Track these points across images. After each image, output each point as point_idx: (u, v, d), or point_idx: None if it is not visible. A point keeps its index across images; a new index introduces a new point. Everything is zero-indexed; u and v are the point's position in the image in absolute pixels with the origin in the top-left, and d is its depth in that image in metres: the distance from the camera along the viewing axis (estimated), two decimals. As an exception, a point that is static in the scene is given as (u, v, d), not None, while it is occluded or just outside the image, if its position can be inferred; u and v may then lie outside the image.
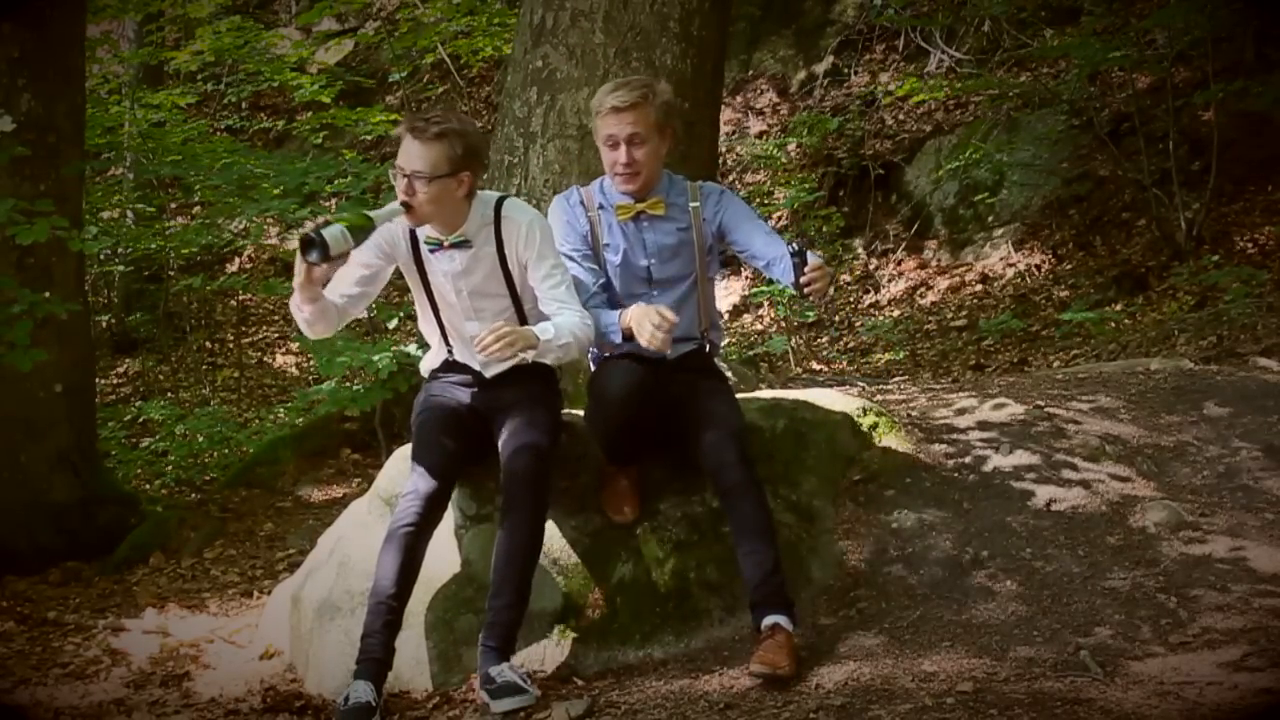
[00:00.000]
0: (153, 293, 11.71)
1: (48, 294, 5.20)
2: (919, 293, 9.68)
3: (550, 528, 3.66)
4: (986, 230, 9.79)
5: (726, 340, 9.32)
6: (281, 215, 8.58)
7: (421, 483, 3.42)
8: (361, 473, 6.33)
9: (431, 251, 3.54)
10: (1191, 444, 4.31)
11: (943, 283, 9.66)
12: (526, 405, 3.54)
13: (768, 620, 3.26)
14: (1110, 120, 9.30)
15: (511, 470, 3.41)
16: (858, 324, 9.54)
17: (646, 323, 3.38)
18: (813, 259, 3.39)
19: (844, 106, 11.23)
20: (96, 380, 7.41)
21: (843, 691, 3.03)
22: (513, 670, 3.27)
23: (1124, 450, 4.23)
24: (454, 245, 3.52)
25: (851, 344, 9.30)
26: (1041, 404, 4.57)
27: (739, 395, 3.96)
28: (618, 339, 3.53)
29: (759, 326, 10.02)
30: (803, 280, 3.39)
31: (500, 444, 3.50)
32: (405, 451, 3.75)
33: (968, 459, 4.10)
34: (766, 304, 9.92)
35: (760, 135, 11.46)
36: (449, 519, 3.59)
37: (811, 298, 3.47)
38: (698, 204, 3.73)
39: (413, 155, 3.39)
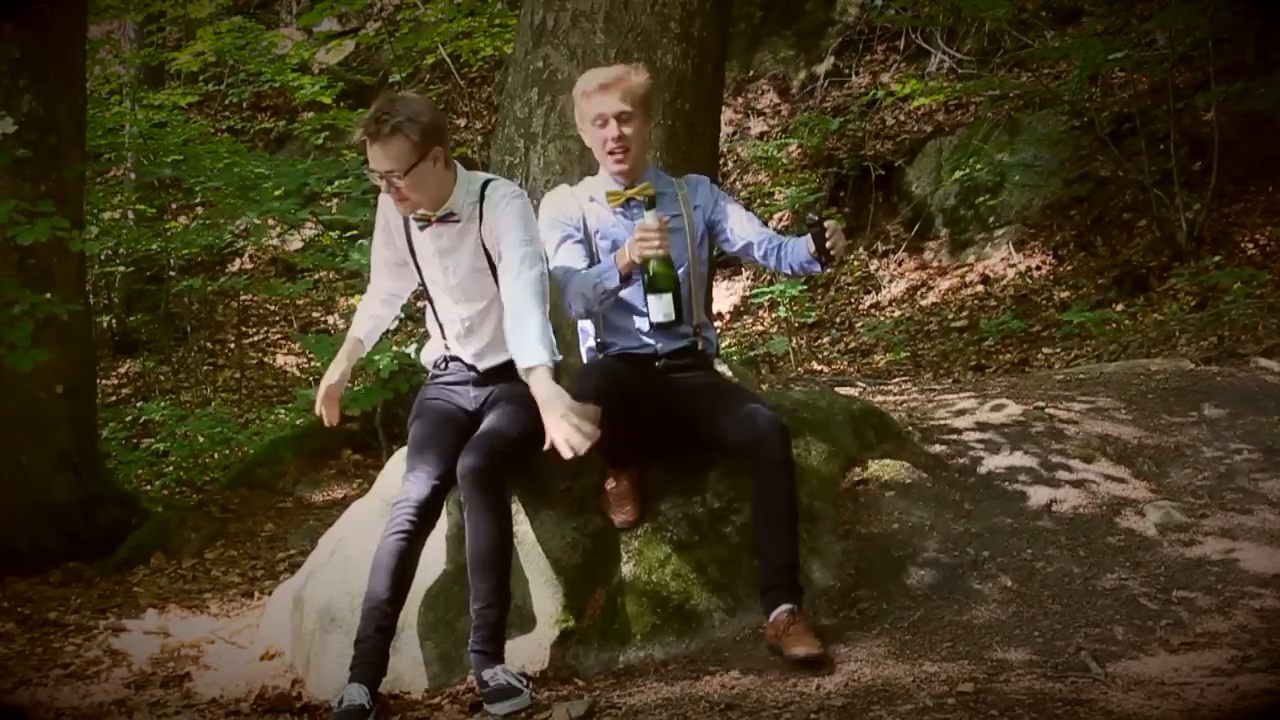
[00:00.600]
0: (154, 293, 11.72)
1: (49, 295, 5.20)
2: (920, 293, 9.68)
3: (551, 529, 3.67)
4: (987, 231, 9.78)
5: (727, 342, 9.34)
6: (282, 216, 8.59)
7: (414, 489, 3.43)
8: (362, 473, 6.34)
9: (421, 229, 3.59)
10: (1192, 445, 4.31)
11: (943, 283, 9.66)
12: (503, 403, 3.56)
13: (785, 606, 3.29)
14: (1111, 121, 9.29)
15: (460, 471, 3.40)
16: (858, 325, 9.53)
17: (642, 234, 3.41)
18: (829, 223, 3.45)
19: (845, 107, 11.23)
20: (97, 381, 7.41)
21: (843, 692, 3.03)
22: (506, 672, 3.28)
23: (1124, 451, 4.23)
24: (441, 220, 3.56)
25: (852, 344, 9.30)
26: (1042, 405, 4.57)
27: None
28: (614, 281, 3.51)
29: (759, 327, 10.02)
30: (827, 244, 3.44)
31: None
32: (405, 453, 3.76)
33: (968, 460, 4.11)
34: (767, 305, 9.92)
35: (761, 136, 11.47)
36: (446, 521, 3.59)
37: (836, 257, 3.50)
38: (685, 193, 3.75)
39: (379, 158, 3.44)
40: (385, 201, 3.65)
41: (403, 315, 4.51)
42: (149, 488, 7.82)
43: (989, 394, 4.93)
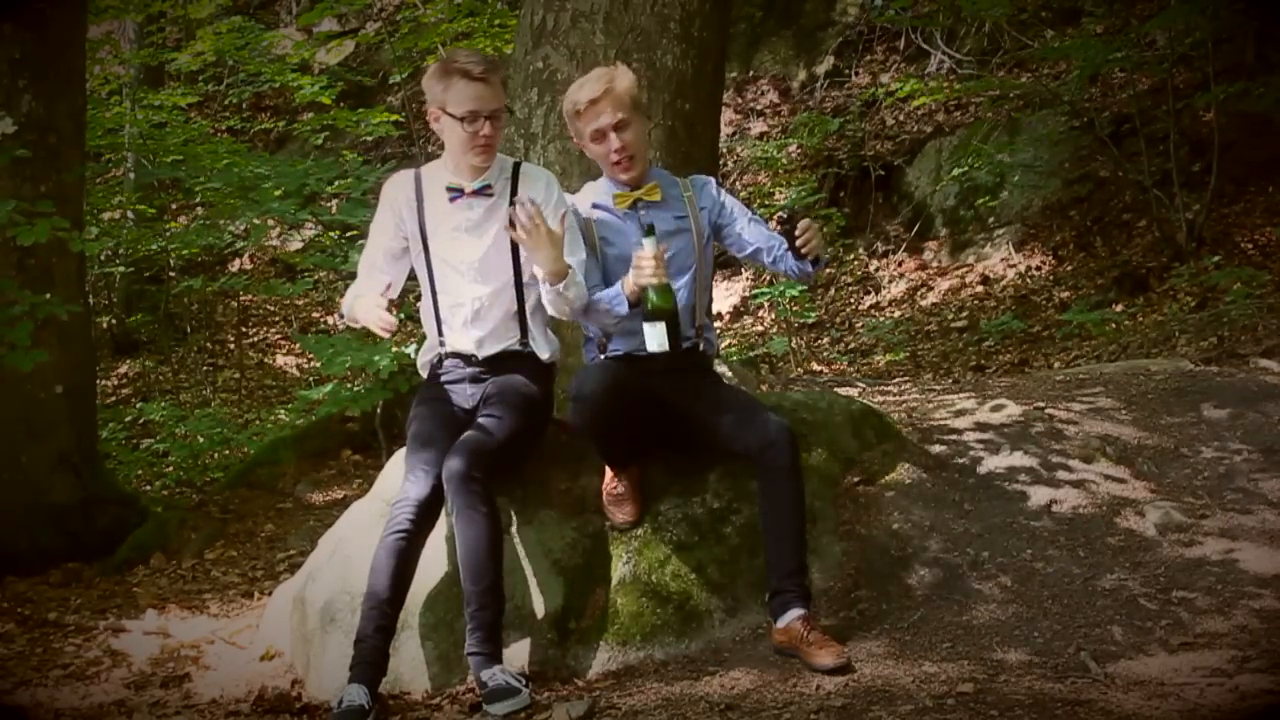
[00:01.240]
0: (153, 294, 11.72)
1: (49, 295, 5.19)
2: (919, 294, 9.68)
3: (551, 529, 3.67)
4: (987, 231, 9.79)
5: (727, 343, 9.34)
6: (282, 217, 8.59)
7: (414, 489, 3.43)
8: (362, 474, 6.33)
9: (451, 199, 3.58)
10: (1191, 445, 4.31)
11: (943, 284, 9.66)
12: (494, 404, 3.55)
13: (797, 611, 3.30)
14: (1111, 121, 9.30)
15: (444, 475, 3.39)
16: (858, 325, 9.54)
17: (639, 262, 3.41)
18: (802, 221, 3.45)
19: (845, 107, 11.23)
20: (97, 381, 7.41)
21: (843, 692, 3.03)
22: (504, 672, 3.27)
23: (1124, 451, 4.23)
24: (476, 192, 3.58)
25: (852, 345, 9.30)
26: (1042, 405, 4.57)
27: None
28: (623, 309, 3.52)
29: (759, 328, 10.02)
30: (798, 242, 3.42)
31: None
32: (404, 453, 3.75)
33: (968, 460, 4.11)
34: (767, 305, 9.93)
35: (761, 136, 11.47)
36: (446, 521, 3.59)
37: (809, 255, 3.48)
38: (691, 194, 3.74)
39: (486, 96, 3.48)
40: (395, 185, 3.66)
41: (402, 316, 4.49)
42: (149, 488, 7.81)
43: (989, 394, 4.93)
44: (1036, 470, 4.04)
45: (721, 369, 4.51)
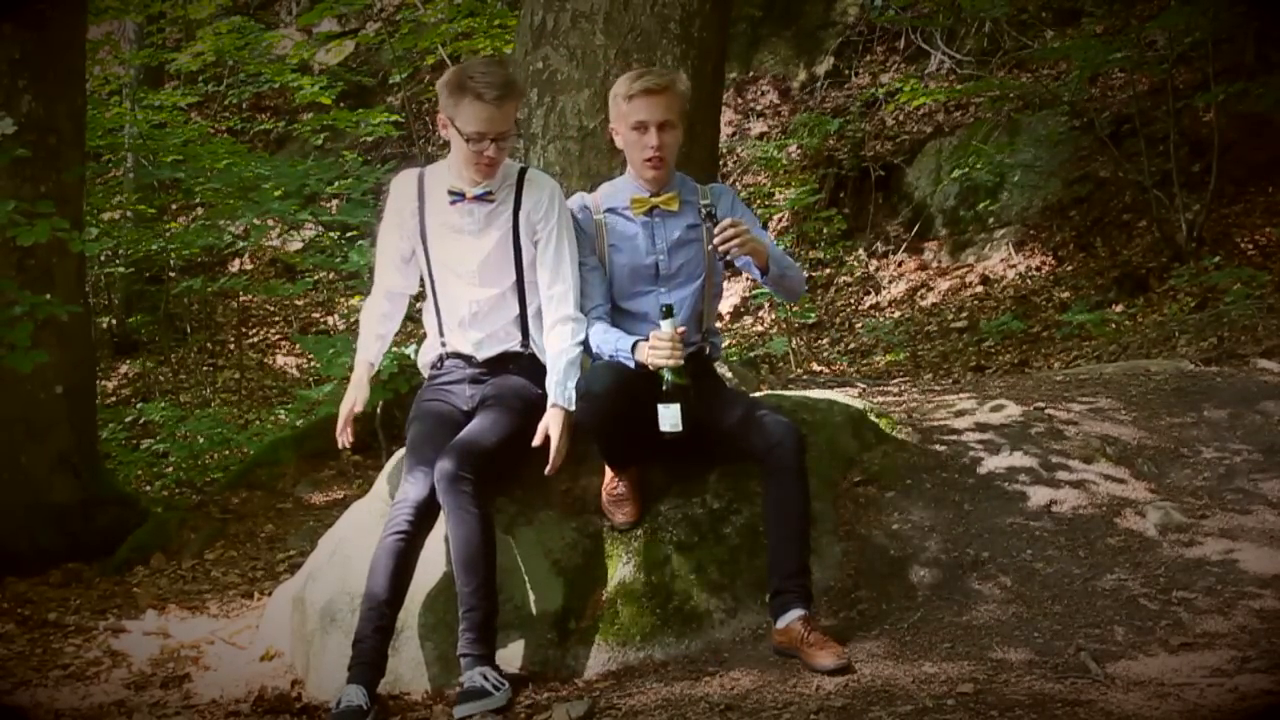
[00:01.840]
0: (153, 294, 11.72)
1: (49, 295, 5.19)
2: (919, 294, 9.68)
3: (551, 529, 3.67)
4: (987, 232, 9.79)
5: (727, 343, 9.34)
6: (282, 217, 8.59)
7: (413, 490, 3.43)
8: (362, 474, 6.33)
9: (452, 203, 3.58)
10: (1191, 445, 4.31)
11: (943, 284, 9.66)
12: (490, 406, 3.56)
13: (798, 612, 3.30)
14: (1111, 122, 9.30)
15: (435, 477, 3.40)
16: (858, 325, 9.54)
17: (656, 342, 3.38)
18: (725, 219, 3.42)
19: (844, 108, 11.23)
20: (97, 382, 7.41)
21: (843, 693, 3.03)
22: (486, 674, 3.27)
23: (1124, 452, 4.23)
24: (477, 198, 3.57)
25: (852, 345, 9.30)
26: (1042, 405, 4.57)
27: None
28: (630, 363, 3.51)
29: (759, 328, 10.02)
30: (716, 241, 3.41)
31: None
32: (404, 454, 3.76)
33: (968, 460, 4.11)
34: (767, 305, 9.93)
35: (761, 136, 11.47)
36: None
37: (725, 255, 3.45)
38: (709, 202, 3.72)
39: (497, 119, 3.47)
40: (398, 186, 3.67)
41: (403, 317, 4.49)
42: (149, 488, 7.82)
43: (989, 394, 4.93)
44: (1036, 470, 4.04)
45: (721, 369, 4.51)
